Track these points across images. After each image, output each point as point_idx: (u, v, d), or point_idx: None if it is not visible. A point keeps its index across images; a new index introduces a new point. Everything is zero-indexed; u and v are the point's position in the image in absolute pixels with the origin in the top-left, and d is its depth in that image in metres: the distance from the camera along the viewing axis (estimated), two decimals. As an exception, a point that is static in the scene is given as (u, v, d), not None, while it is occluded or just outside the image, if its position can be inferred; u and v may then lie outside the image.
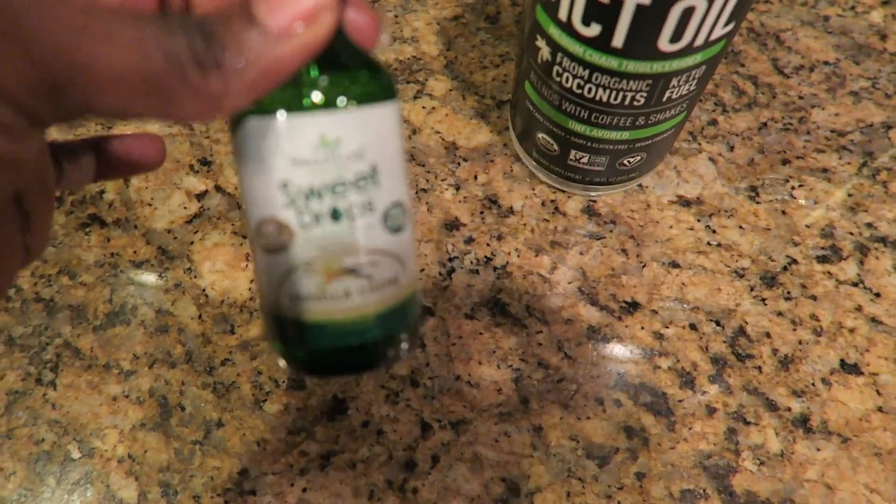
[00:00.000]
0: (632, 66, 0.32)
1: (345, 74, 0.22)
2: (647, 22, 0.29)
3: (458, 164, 0.49)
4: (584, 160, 0.42)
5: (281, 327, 0.24)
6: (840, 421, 0.40)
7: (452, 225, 0.47)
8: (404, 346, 0.26)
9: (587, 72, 0.34)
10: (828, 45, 0.54)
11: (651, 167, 0.45)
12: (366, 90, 0.23)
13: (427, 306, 0.44)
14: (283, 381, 0.42)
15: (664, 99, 0.35)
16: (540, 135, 0.43)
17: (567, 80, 0.36)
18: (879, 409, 0.41)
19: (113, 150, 0.29)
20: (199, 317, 0.44)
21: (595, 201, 0.47)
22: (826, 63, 0.53)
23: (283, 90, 0.21)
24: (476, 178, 0.48)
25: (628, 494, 0.39)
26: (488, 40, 0.55)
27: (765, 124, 0.50)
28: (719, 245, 0.46)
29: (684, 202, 0.47)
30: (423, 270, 0.45)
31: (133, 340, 0.43)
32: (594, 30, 0.31)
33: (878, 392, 0.41)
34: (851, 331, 0.43)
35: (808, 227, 0.46)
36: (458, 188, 0.48)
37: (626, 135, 0.39)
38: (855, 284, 0.44)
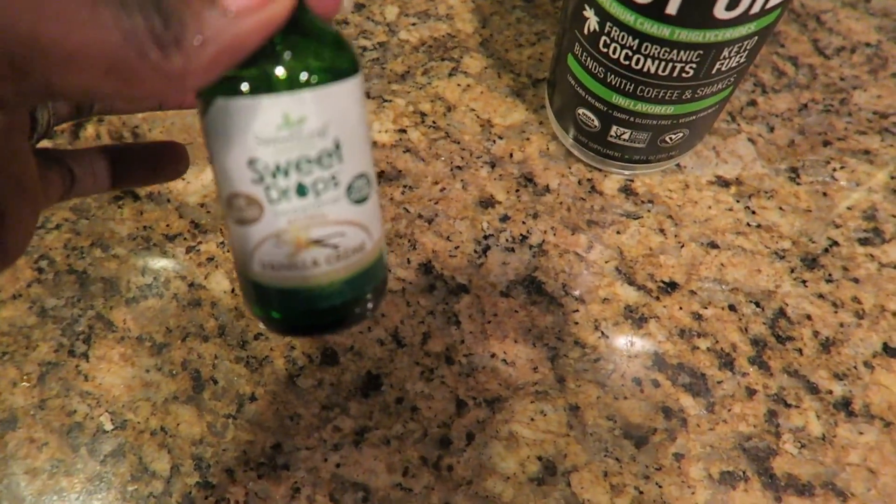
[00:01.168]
0: (684, 34, 0.32)
1: (306, 52, 0.23)
2: (706, -14, 0.29)
3: (494, 141, 0.48)
4: (626, 136, 0.41)
5: (255, 292, 0.26)
6: (883, 405, 0.40)
7: (488, 203, 0.46)
8: (370, 305, 0.27)
9: (637, 41, 0.33)
10: (869, 26, 0.53)
11: (691, 146, 0.44)
12: (328, 67, 0.23)
13: (462, 284, 0.43)
14: (317, 357, 0.41)
15: (713, 71, 0.35)
16: (581, 110, 0.42)
17: (615, 51, 0.35)
18: (923, 394, 0.40)
19: (131, 157, 0.29)
20: (232, 291, 0.44)
21: (632, 181, 0.46)
22: (868, 45, 0.52)
23: (245, 69, 0.21)
24: (511, 156, 0.48)
25: (666, 475, 0.38)
26: (524, 18, 0.54)
27: (805, 105, 0.49)
28: (759, 226, 0.45)
29: (723, 182, 0.46)
30: (457, 248, 0.44)
31: (166, 314, 0.43)
32: None
33: (922, 376, 0.40)
34: (895, 314, 0.42)
35: (849, 209, 0.45)
36: (493, 166, 0.47)
37: (670, 109, 0.38)
38: (898, 268, 0.44)
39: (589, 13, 0.35)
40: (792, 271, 0.43)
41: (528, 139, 0.48)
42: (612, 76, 0.37)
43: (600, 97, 0.39)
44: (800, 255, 0.44)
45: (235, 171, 0.23)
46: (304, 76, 0.22)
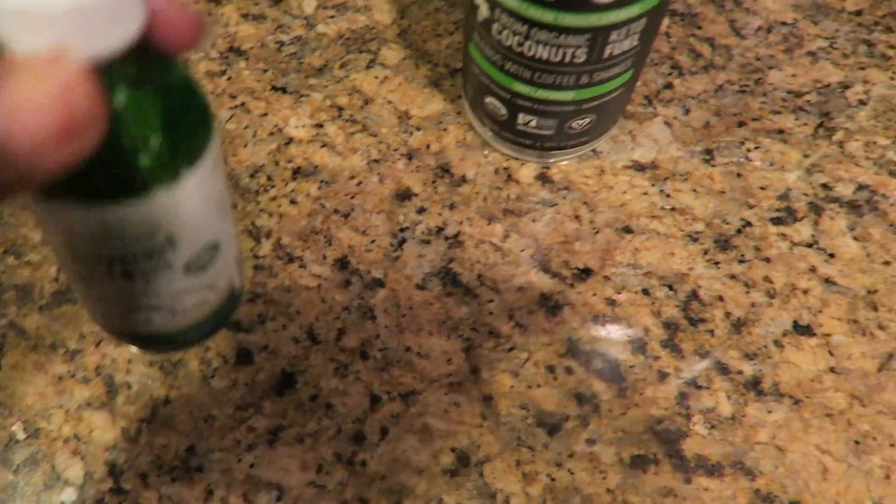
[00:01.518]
0: (568, 18, 0.32)
1: (136, 158, 0.19)
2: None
3: (411, 133, 0.48)
4: (533, 123, 0.41)
5: (104, 323, 0.27)
6: (792, 383, 0.40)
7: (404, 195, 0.46)
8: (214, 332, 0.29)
9: (525, 27, 0.34)
10: (786, 4, 0.53)
11: (603, 131, 0.44)
12: (163, 169, 0.20)
13: (378, 278, 0.43)
14: (231, 357, 0.41)
15: (605, 55, 0.35)
16: (488, 99, 0.42)
17: (507, 38, 0.35)
18: (832, 370, 0.40)
19: None
20: (147, 294, 0.43)
21: (549, 168, 0.46)
22: (784, 23, 0.53)
23: (67, 180, 0.18)
24: (429, 147, 0.48)
25: (578, 461, 0.38)
26: (443, 7, 0.54)
27: (721, 87, 0.50)
28: (673, 209, 0.45)
29: (639, 167, 0.47)
30: (373, 241, 0.44)
31: (80, 319, 0.43)
32: None
33: (830, 353, 0.41)
34: (805, 292, 0.43)
35: (763, 189, 0.46)
36: (410, 158, 0.47)
37: (571, 95, 0.38)
38: (809, 245, 0.44)
39: (479, 0, 0.35)
40: (705, 253, 0.44)
41: (445, 130, 0.48)
42: (510, 63, 0.37)
43: (503, 85, 0.39)
44: (713, 236, 0.44)
45: (64, 252, 0.23)
46: (127, 188, 0.20)
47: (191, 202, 0.21)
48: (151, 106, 0.19)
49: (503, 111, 0.42)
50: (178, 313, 0.25)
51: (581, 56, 0.35)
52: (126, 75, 0.18)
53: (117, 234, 0.20)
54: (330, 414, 0.40)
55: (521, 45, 0.35)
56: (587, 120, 0.41)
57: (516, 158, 0.47)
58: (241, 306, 0.42)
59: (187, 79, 0.21)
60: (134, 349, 0.34)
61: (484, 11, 0.35)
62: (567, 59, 0.35)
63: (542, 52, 0.35)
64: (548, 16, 0.32)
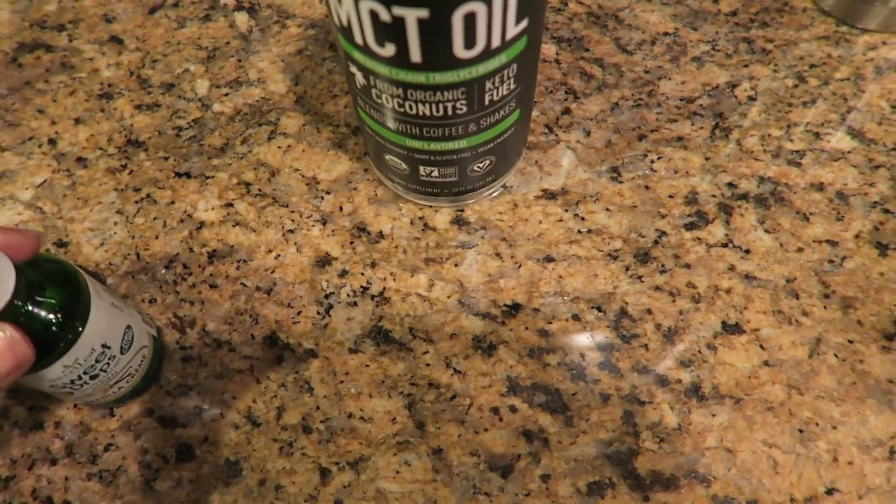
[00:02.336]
0: (439, 77, 0.32)
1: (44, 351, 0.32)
2: (435, 33, 0.29)
3: (322, 198, 0.48)
4: (435, 174, 0.42)
5: None
6: (730, 383, 0.41)
7: (324, 261, 0.46)
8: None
9: (401, 90, 0.34)
10: (665, 16, 0.55)
11: (507, 167, 0.45)
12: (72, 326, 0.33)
13: (310, 349, 0.43)
14: (171, 455, 0.40)
15: (487, 103, 0.35)
16: (387, 156, 0.42)
17: (388, 101, 0.35)
18: (766, 364, 0.41)
19: None
20: (75, 405, 0.42)
21: (463, 210, 0.47)
22: (666, 34, 0.54)
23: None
24: (342, 208, 0.48)
25: (536, 499, 0.38)
26: (335, 69, 0.54)
27: (616, 104, 0.51)
28: (589, 231, 0.46)
29: (550, 195, 0.47)
30: (300, 313, 0.44)
31: (9, 444, 0.41)
32: (390, 49, 0.31)
33: (761, 347, 0.42)
34: (728, 291, 0.43)
35: (671, 197, 0.47)
36: (324, 223, 0.47)
37: (464, 143, 0.38)
38: (725, 245, 0.45)
39: (354, 69, 0.35)
40: (627, 269, 0.44)
41: (355, 189, 0.48)
42: (397, 123, 0.37)
43: (396, 143, 0.40)
44: (632, 251, 0.45)
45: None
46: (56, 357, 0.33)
47: (100, 321, 0.35)
48: (46, 306, 0.32)
49: (404, 166, 0.42)
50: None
51: (462, 107, 0.35)
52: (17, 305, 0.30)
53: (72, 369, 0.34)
54: (281, 496, 0.39)
55: (401, 105, 0.35)
56: (487, 162, 0.42)
57: (430, 206, 0.47)
58: (176, 401, 0.41)
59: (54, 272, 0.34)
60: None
61: (360, 79, 0.36)
62: (450, 112, 0.35)
63: (424, 110, 0.35)
64: (419, 77, 0.33)
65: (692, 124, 0.50)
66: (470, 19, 0.28)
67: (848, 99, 0.50)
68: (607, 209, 0.46)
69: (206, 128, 0.52)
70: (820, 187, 0.47)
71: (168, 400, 0.42)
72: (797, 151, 0.48)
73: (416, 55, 0.31)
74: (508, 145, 0.42)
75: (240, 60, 0.55)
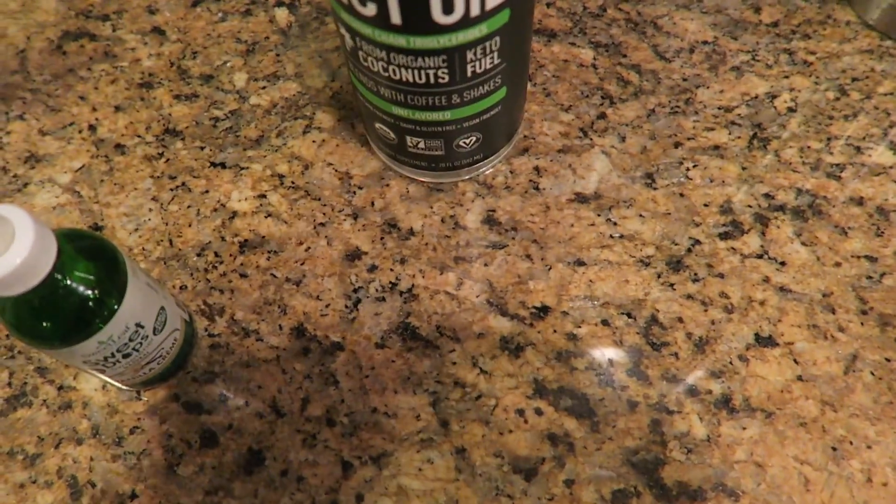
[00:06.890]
0: (419, 41, 0.33)
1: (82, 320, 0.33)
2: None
3: (354, 192, 0.48)
4: (422, 145, 0.42)
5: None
6: (762, 396, 0.40)
7: (354, 255, 0.46)
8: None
9: (384, 52, 0.35)
10: (704, 24, 0.55)
11: (496, 148, 0.45)
12: (102, 312, 0.33)
13: (336, 342, 0.43)
14: (196, 441, 0.40)
15: (469, 74, 0.36)
16: (377, 124, 0.43)
17: (373, 64, 0.37)
18: (799, 378, 0.40)
19: None
20: (104, 387, 0.42)
21: (494, 210, 0.47)
22: (705, 42, 0.54)
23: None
24: (373, 204, 0.48)
25: None
26: (372, 65, 0.54)
27: (653, 111, 0.50)
28: (622, 237, 0.45)
29: (582, 199, 0.47)
30: (328, 305, 0.44)
31: (36, 422, 0.42)
32: (371, 8, 0.32)
33: (795, 361, 0.41)
34: (762, 303, 0.43)
35: (706, 205, 0.46)
36: (356, 217, 0.47)
37: (448, 115, 0.39)
38: (759, 256, 0.44)
39: (343, 30, 0.36)
40: (659, 276, 0.44)
41: (387, 185, 0.48)
42: (383, 88, 0.39)
43: (383, 110, 0.41)
44: (664, 259, 0.44)
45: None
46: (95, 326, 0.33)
47: (136, 300, 0.35)
48: (85, 281, 0.32)
49: (392, 135, 0.43)
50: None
51: (444, 76, 0.36)
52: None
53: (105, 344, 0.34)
54: (302, 487, 0.39)
55: (386, 70, 0.36)
56: (473, 138, 0.42)
57: (461, 205, 0.47)
58: (201, 388, 0.42)
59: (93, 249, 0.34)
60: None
61: (348, 40, 0.37)
62: (432, 80, 0.36)
63: (407, 75, 0.36)
64: (400, 40, 0.33)
65: (729, 133, 0.49)
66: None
67: (891, 114, 0.49)
68: (640, 215, 0.46)
69: (242, 119, 0.52)
70: (860, 202, 0.46)
71: (194, 386, 0.42)
72: (837, 165, 0.47)
73: (395, 16, 0.32)
74: (495, 124, 0.42)
75: (278, 55, 0.55)
